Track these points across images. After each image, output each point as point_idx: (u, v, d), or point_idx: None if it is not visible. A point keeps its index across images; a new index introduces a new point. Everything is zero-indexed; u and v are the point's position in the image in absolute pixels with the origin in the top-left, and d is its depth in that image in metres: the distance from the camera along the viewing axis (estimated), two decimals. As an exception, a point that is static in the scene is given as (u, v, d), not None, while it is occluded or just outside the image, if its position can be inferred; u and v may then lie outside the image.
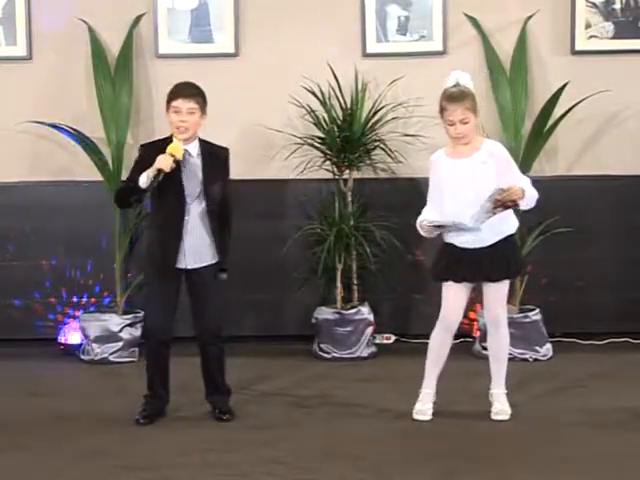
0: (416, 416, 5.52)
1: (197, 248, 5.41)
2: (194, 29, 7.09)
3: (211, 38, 7.10)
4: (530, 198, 5.37)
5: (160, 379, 5.55)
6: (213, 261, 5.45)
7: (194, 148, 5.44)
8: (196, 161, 5.43)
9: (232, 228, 5.55)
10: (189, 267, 5.41)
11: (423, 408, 5.54)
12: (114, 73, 6.97)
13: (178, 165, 5.36)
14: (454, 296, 5.48)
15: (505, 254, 5.42)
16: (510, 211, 5.39)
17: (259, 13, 7.06)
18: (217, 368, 5.53)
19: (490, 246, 5.39)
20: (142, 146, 5.64)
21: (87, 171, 7.00)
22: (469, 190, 5.30)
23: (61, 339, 7.06)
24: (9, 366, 6.69)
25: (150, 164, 5.31)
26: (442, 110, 5.37)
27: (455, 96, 5.34)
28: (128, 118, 6.94)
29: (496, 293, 5.50)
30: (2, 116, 7.07)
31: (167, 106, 5.46)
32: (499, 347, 5.59)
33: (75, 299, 7.16)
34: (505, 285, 5.52)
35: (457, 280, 5.44)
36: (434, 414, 5.54)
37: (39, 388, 6.19)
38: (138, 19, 7.02)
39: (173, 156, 5.31)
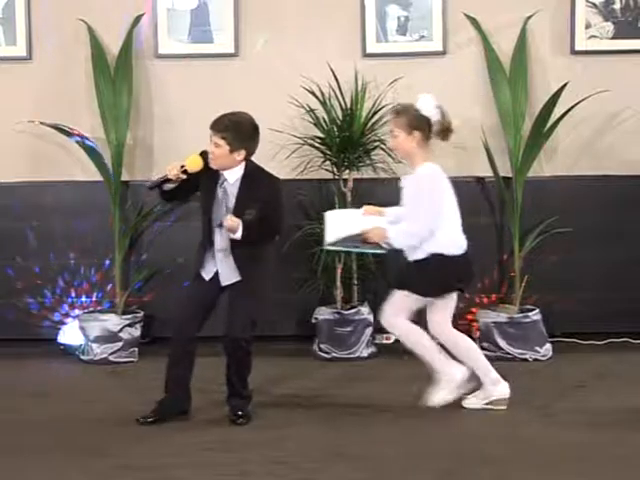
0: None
1: (226, 268, 5.48)
2: (194, 29, 7.09)
3: (211, 38, 7.10)
4: (395, 241, 5.53)
5: (177, 378, 5.50)
6: (240, 278, 5.51)
7: (234, 174, 5.45)
8: (233, 187, 5.45)
9: (258, 240, 5.49)
10: (222, 284, 5.50)
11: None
12: (114, 73, 6.96)
13: (215, 188, 5.43)
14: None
15: (415, 271, 5.58)
16: (448, 233, 5.55)
17: (259, 13, 7.06)
18: (236, 373, 5.51)
19: (416, 260, 5.57)
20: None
21: (87, 171, 7.00)
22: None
23: (61, 339, 7.05)
24: (9, 366, 6.69)
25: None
26: None
27: (392, 110, 5.65)
28: (128, 118, 6.94)
29: (430, 307, 5.66)
30: (2, 116, 7.07)
31: None
32: (459, 354, 5.63)
33: (75, 299, 7.16)
34: (440, 301, 5.61)
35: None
36: (435, 414, 5.55)
37: (39, 388, 6.18)
38: (138, 19, 7.02)
39: (183, 166, 5.36)
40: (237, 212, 5.40)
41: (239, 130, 5.39)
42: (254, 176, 5.47)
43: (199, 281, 5.56)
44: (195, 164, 5.40)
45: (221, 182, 5.47)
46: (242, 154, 5.42)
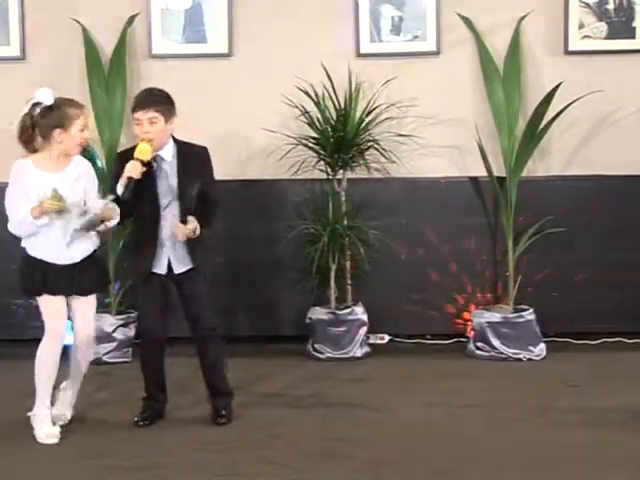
0: (45, 440, 5.22)
1: (178, 252, 5.40)
2: (188, 29, 7.09)
3: (205, 38, 7.10)
4: None
5: (156, 381, 5.53)
6: (192, 265, 5.44)
7: (168, 152, 5.36)
8: (171, 165, 5.36)
9: (212, 224, 5.45)
10: (176, 272, 5.41)
11: (51, 431, 5.26)
12: (108, 73, 6.96)
13: (151, 171, 5.30)
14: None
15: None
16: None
17: (253, 13, 7.06)
18: (214, 369, 5.51)
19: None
20: (118, 154, 5.55)
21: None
22: None
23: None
24: (2, 367, 6.68)
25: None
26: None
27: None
28: (122, 118, 6.93)
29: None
30: (-5, 116, 7.06)
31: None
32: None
33: (69, 299, 7.14)
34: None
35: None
36: (429, 414, 5.54)
37: (32, 389, 6.16)
38: (132, 19, 7.02)
39: (141, 161, 5.22)
40: (181, 188, 5.32)
41: (168, 99, 5.38)
42: (187, 149, 5.40)
43: (153, 278, 5.41)
44: (146, 152, 5.23)
45: (157, 165, 5.33)
46: (173, 123, 5.35)
